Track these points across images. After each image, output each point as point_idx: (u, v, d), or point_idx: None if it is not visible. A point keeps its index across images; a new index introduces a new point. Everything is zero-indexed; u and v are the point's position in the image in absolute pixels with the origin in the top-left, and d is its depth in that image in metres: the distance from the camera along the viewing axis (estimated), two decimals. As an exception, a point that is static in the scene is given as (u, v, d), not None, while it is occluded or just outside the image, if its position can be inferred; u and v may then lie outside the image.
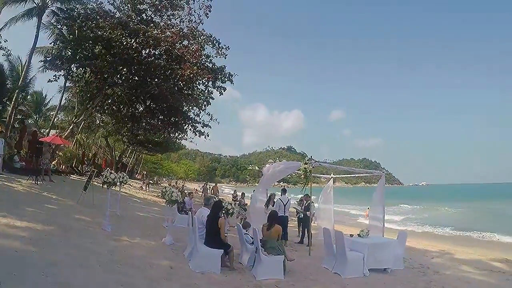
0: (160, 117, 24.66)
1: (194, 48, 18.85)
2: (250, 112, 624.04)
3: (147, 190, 31.68)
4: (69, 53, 18.68)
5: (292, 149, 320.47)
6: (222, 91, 21.55)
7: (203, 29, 19.61)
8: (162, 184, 47.95)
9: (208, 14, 19.01)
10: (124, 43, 17.73)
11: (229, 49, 20.00)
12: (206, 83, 21.37)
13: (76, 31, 17.85)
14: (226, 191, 63.56)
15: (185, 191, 18.07)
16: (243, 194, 18.34)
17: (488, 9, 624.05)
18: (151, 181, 43.45)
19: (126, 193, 21.61)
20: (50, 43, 21.98)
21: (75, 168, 28.43)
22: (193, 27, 19.23)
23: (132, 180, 37.11)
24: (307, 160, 10.37)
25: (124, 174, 11.32)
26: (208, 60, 20.60)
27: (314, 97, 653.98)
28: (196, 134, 24.26)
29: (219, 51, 19.89)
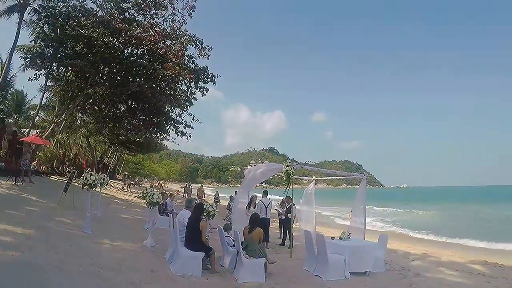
0: (141, 117, 24.51)
1: (177, 48, 18.82)
2: (233, 113, 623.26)
3: (129, 191, 31.40)
4: (51, 51, 18.40)
5: (275, 151, 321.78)
6: (205, 91, 21.55)
7: (186, 30, 19.58)
8: (143, 185, 47.51)
9: (191, 14, 18.96)
10: (106, 42, 17.54)
11: (212, 49, 19.99)
12: (188, 83, 21.34)
13: (58, 29, 17.60)
14: (207, 192, 63.13)
15: (167, 192, 17.92)
16: (231, 197, 18.16)
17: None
18: (132, 182, 43.06)
19: (107, 194, 21.41)
20: (31, 41, 21.69)
21: (55, 169, 28.07)
22: (176, 27, 19.17)
23: (113, 181, 36.77)
24: (289, 162, 10.40)
25: (105, 175, 11.20)
26: (191, 61, 20.57)
27: (296, 99, 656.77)
28: (178, 135, 24.19)
29: (202, 52, 19.86)
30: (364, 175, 12.08)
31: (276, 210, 14.19)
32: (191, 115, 23.54)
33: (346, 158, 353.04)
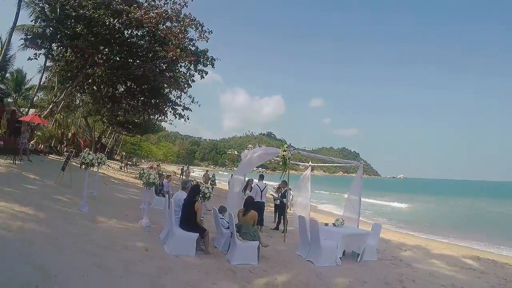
0: (140, 98, 24.47)
1: (178, 30, 18.73)
2: (231, 96, 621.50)
3: (126, 171, 31.48)
4: (50, 31, 18.27)
5: (272, 135, 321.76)
6: (204, 74, 21.48)
7: (189, 13, 19.47)
8: (141, 166, 47.57)
9: None
10: (107, 23, 17.41)
11: (212, 33, 19.89)
12: (189, 65, 21.26)
13: (58, 9, 17.49)
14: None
15: (164, 174, 17.94)
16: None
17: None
18: (129, 163, 43.11)
19: (104, 174, 21.50)
20: (31, 21, 21.51)
21: (54, 148, 28.09)
22: (177, 9, 19.04)
23: (111, 161, 36.81)
24: (286, 147, 10.43)
25: (103, 155, 11.30)
26: (191, 44, 20.48)
27: (295, 84, 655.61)
28: (176, 117, 24.18)
29: (202, 35, 19.76)
30: (361, 163, 12.14)
31: (272, 195, 14.29)
32: (190, 96, 23.51)
33: (343, 146, 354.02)
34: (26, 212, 7.28)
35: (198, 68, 21.21)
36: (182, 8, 19.10)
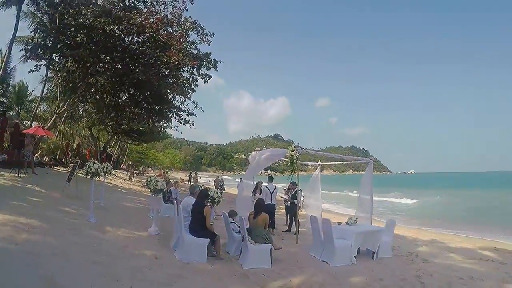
0: (144, 106, 24.33)
1: (179, 34, 18.62)
2: (235, 99, 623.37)
3: (133, 180, 31.40)
4: (50, 42, 18.19)
5: (279, 137, 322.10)
6: (207, 78, 21.30)
7: (190, 16, 19.33)
8: (147, 174, 47.52)
9: (193, 1, 18.72)
10: (107, 31, 17.31)
11: (213, 35, 19.75)
12: (192, 69, 21.10)
13: (58, 19, 17.40)
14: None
15: (171, 181, 17.76)
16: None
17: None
18: (136, 171, 43.05)
19: (111, 183, 21.38)
20: (31, 32, 21.46)
21: (58, 160, 28.02)
22: (177, 13, 18.91)
23: (117, 171, 36.79)
24: (294, 147, 10.26)
25: (108, 164, 11.15)
26: (193, 47, 20.34)
27: (301, 84, 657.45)
28: (181, 123, 23.99)
29: (203, 38, 19.61)
30: (371, 159, 11.92)
31: (282, 197, 14.08)
32: (194, 102, 23.34)
33: (352, 144, 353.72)
34: (31, 224, 7.10)
35: (201, 72, 20.99)
36: (182, 12, 18.97)
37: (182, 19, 19.02)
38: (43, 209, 9.17)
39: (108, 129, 36.78)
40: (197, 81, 22.11)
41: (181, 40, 18.32)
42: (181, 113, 23.61)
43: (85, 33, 17.44)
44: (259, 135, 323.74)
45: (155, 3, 18.88)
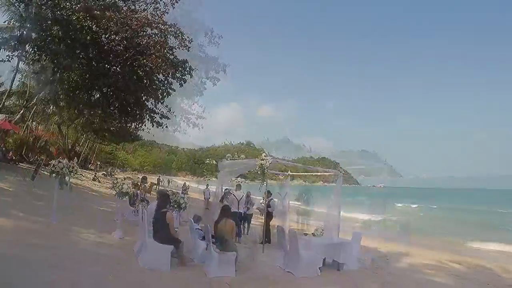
0: (116, 106, 23.90)
1: (157, 39, 18.39)
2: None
3: (100, 182, 30.77)
4: (25, 33, 17.66)
5: (252, 145, 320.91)
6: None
7: (175, 23, 19.11)
8: (115, 176, 46.66)
9: (174, 4, 18.56)
10: (85, 27, 16.92)
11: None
12: (167, 75, 20.89)
13: (34, 9, 16.92)
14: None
15: (139, 184, 17.41)
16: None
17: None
18: (104, 172, 42.19)
19: (77, 184, 20.90)
20: (4, 22, 20.82)
21: (25, 156, 27.23)
22: (158, 15, 18.68)
23: (85, 171, 35.99)
24: (264, 156, 10.22)
25: (74, 163, 10.79)
26: (171, 53, 20.11)
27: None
28: (153, 125, 23.71)
29: (182, 43, 19.41)
30: (341, 172, 11.97)
31: (258, 209, 13.83)
32: (167, 106, 23.12)
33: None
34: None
35: (176, 76, 20.74)
36: (163, 14, 18.74)
37: (161, 21, 18.77)
38: (5, 208, 8.89)
39: (78, 127, 35.92)
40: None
41: (159, 45, 18.07)
42: (154, 115, 23.36)
43: (62, 27, 17.03)
44: (231, 142, 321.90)
45: (136, 2, 18.64)
